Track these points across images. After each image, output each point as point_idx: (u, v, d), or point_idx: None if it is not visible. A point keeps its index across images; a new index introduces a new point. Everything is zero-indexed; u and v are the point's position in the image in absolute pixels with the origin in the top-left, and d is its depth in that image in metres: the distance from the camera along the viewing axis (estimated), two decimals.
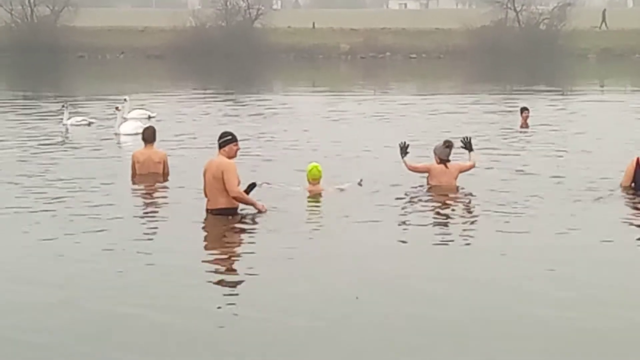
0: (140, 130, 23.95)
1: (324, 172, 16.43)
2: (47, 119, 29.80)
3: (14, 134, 25.79)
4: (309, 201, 15.93)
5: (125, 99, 29.35)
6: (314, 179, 16.24)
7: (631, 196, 16.36)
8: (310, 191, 16.20)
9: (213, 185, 14.27)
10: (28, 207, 15.26)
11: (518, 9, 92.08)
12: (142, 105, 32.46)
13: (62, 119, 27.60)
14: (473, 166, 17.04)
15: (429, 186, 16.78)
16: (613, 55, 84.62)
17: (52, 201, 15.76)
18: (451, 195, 16.25)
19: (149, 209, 15.57)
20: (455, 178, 16.82)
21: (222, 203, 14.29)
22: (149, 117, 28.99)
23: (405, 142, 17.13)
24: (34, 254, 12.38)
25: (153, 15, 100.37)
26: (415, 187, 16.82)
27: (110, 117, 27.85)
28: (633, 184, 16.74)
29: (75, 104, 33.66)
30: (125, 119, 27.05)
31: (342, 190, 16.49)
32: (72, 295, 10.59)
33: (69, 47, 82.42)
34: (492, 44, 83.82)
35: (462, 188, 16.75)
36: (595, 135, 25.24)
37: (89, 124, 27.48)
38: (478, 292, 10.74)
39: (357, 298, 10.32)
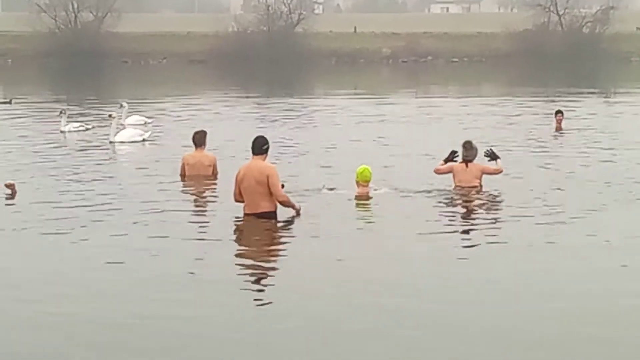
0: (138, 139, 24.34)
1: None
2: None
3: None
4: (357, 204, 16.01)
5: (121, 105, 29.31)
6: (365, 181, 16.30)
7: None
8: (359, 194, 16.27)
9: (255, 189, 14.33)
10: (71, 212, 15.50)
11: (560, 13, 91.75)
12: (141, 111, 32.24)
13: (61, 125, 27.25)
14: (500, 171, 17.18)
15: (455, 186, 16.98)
16: None
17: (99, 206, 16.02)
18: (474, 197, 16.36)
19: (196, 212, 15.80)
20: (478, 178, 16.96)
21: (264, 207, 14.38)
22: (146, 123, 28.85)
23: (455, 152, 17.24)
24: (66, 259, 12.59)
25: (195, 21, 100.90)
26: (442, 190, 16.93)
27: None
28: None
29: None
30: (124, 126, 27.06)
31: (389, 191, 16.58)
32: (111, 299, 10.79)
33: (112, 53, 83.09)
34: (534, 48, 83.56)
35: (487, 189, 16.84)
36: (630, 138, 25.21)
37: (87, 130, 27.32)
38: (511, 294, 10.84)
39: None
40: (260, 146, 14.55)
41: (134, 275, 11.68)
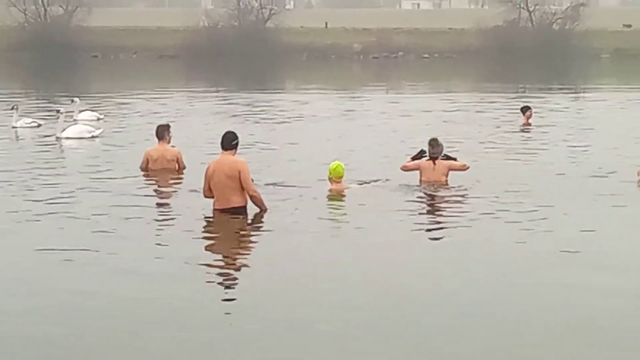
0: (86, 135, 24.11)
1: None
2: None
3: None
4: (330, 200, 15.97)
5: (73, 100, 29.05)
6: (338, 177, 16.26)
7: None
8: (332, 190, 16.23)
9: (226, 184, 14.27)
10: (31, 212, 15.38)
11: (531, 9, 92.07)
12: (94, 106, 31.80)
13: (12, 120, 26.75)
14: (466, 167, 17.24)
15: (421, 183, 17.04)
16: (627, 55, 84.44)
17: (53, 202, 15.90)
18: (442, 193, 16.42)
19: (160, 207, 15.66)
20: (445, 175, 17.06)
21: (235, 202, 14.33)
22: (98, 119, 28.51)
23: (423, 151, 17.28)
24: (40, 259, 12.48)
25: (166, 15, 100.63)
26: (412, 185, 16.94)
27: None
28: None
29: (86, 101, 33.73)
30: (76, 122, 26.77)
31: (361, 187, 16.57)
32: (73, 299, 10.69)
33: (83, 47, 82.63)
34: (505, 44, 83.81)
35: (455, 185, 16.89)
36: (598, 134, 25.36)
37: (39, 126, 26.83)
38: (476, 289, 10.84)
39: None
40: (229, 141, 14.48)
41: (93, 270, 11.57)
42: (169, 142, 18.88)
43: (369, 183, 16.99)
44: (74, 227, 13.81)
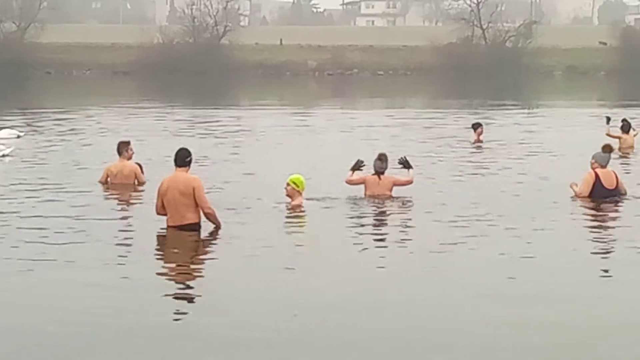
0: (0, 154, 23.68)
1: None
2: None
3: None
4: (290, 214, 15.99)
5: None
6: (303, 189, 16.25)
7: (590, 204, 16.81)
8: (295, 205, 16.22)
9: (180, 201, 14.21)
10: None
11: (484, 27, 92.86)
12: (12, 125, 31.25)
13: None
14: (411, 182, 17.51)
15: (366, 197, 17.23)
16: (578, 72, 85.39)
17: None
18: (388, 206, 16.65)
19: (113, 223, 15.55)
20: (390, 190, 17.32)
21: (189, 219, 14.26)
22: (18, 137, 28.09)
23: (361, 161, 17.54)
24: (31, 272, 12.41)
25: (120, 32, 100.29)
26: (359, 199, 17.14)
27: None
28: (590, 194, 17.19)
29: (27, 118, 33.51)
30: None
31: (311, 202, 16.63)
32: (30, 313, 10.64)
33: (36, 63, 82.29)
34: (459, 61, 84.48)
35: (400, 199, 17.17)
36: (548, 150, 25.66)
37: None
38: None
39: (295, 315, 10.32)
40: (183, 158, 14.44)
41: (45, 284, 11.52)
42: (129, 158, 19.12)
43: (318, 200, 16.98)
44: (26, 241, 13.70)
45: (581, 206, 16.78)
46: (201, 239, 14.11)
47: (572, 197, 17.28)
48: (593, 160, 17.49)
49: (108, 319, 10.15)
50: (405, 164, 17.58)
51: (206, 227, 14.44)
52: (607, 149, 17.82)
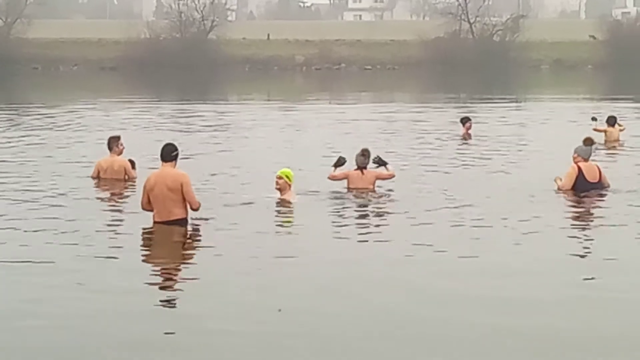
0: None
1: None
2: None
3: None
4: (278, 209, 15.98)
5: None
6: (291, 181, 16.30)
7: (573, 198, 16.91)
8: (282, 199, 16.24)
9: (168, 197, 14.15)
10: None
11: (472, 21, 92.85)
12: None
13: None
14: (393, 175, 17.79)
15: (350, 192, 17.39)
16: (565, 66, 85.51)
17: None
18: (373, 200, 16.78)
19: (101, 218, 15.52)
20: (372, 184, 17.58)
21: (176, 214, 14.21)
22: None
23: (343, 158, 17.77)
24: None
25: (107, 27, 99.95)
26: (344, 193, 17.29)
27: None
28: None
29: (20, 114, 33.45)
30: None
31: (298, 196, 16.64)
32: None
33: (23, 59, 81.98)
34: (446, 55, 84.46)
35: (382, 193, 17.30)
36: (536, 144, 25.66)
37: None
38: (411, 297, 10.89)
39: (279, 310, 10.29)
40: (169, 153, 14.38)
41: (34, 281, 11.46)
42: (120, 154, 19.22)
43: (306, 194, 17.00)
44: (14, 238, 13.66)
45: (565, 199, 16.83)
46: (188, 234, 14.07)
47: (555, 191, 17.32)
48: (575, 154, 17.56)
49: (94, 319, 10.10)
50: (379, 162, 17.82)
51: (193, 222, 14.41)
52: (589, 141, 18.04)
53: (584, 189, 17.10)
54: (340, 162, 17.74)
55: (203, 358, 8.97)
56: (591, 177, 17.26)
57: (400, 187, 17.73)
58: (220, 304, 10.60)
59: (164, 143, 14.75)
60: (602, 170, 17.65)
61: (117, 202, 17.14)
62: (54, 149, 24.55)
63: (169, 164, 14.35)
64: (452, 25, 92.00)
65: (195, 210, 14.34)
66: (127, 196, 17.34)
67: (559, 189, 17.32)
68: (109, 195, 17.67)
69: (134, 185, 18.14)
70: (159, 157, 14.47)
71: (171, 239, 13.85)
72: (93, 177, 19.02)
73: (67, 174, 19.88)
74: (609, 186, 17.49)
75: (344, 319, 10.04)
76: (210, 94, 55.93)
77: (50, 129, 30.44)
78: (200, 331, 9.62)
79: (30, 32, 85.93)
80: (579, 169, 17.25)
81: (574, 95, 51.83)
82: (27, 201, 16.65)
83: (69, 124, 32.01)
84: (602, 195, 17.14)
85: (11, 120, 31.90)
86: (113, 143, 19.24)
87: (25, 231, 14.10)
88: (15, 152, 23.95)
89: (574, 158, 17.49)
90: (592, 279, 11.77)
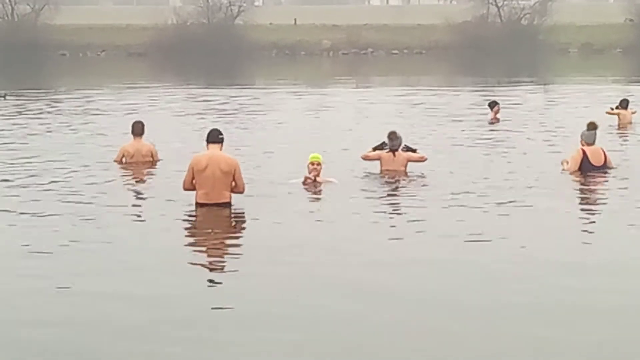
0: None
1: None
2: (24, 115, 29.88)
3: None
4: (310, 191, 16.18)
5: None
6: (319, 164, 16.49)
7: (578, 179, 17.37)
8: (315, 182, 16.43)
9: (220, 179, 14.46)
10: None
11: (499, 4, 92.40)
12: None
13: None
14: (424, 158, 17.99)
15: (382, 173, 17.73)
16: (593, 50, 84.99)
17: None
18: (402, 183, 16.99)
19: (143, 202, 15.72)
20: (404, 166, 17.80)
21: (226, 197, 14.58)
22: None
23: (385, 144, 17.89)
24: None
25: (135, 13, 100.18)
26: (378, 175, 17.59)
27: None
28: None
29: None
30: None
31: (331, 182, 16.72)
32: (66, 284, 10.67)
33: (50, 45, 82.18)
34: (474, 39, 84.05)
35: (414, 176, 17.50)
36: (565, 128, 25.55)
37: None
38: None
39: None
40: (216, 135, 14.73)
41: (78, 266, 11.57)
42: (143, 138, 19.38)
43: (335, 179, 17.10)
44: (50, 222, 13.77)
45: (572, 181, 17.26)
46: (234, 216, 14.36)
47: (562, 172, 17.78)
48: (581, 139, 18.19)
49: (145, 303, 10.20)
50: (407, 149, 17.97)
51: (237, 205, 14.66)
52: (592, 126, 18.33)
53: (589, 172, 17.66)
54: (380, 146, 17.93)
55: (252, 331, 9.03)
56: (595, 160, 17.93)
57: (426, 170, 17.83)
58: (270, 288, 10.68)
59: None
60: (607, 153, 18.21)
61: (152, 185, 17.25)
62: (83, 134, 24.70)
63: (216, 145, 14.66)
64: (479, 9, 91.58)
65: (240, 194, 14.69)
66: (160, 178, 17.57)
67: (564, 170, 17.89)
68: (142, 177, 17.93)
69: (159, 169, 18.50)
70: (205, 139, 14.77)
71: (216, 220, 14.10)
72: (117, 162, 19.16)
73: (96, 159, 20.00)
74: (614, 168, 18.07)
75: (391, 299, 10.12)
76: (236, 79, 55.92)
77: (77, 114, 30.61)
78: (255, 312, 9.76)
79: (57, 19, 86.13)
80: (584, 152, 17.88)
81: (602, 78, 51.53)
82: (56, 184, 16.78)
83: (96, 109, 32.18)
84: (605, 178, 17.40)
85: (40, 106, 32.05)
86: (140, 128, 19.38)
87: (60, 215, 14.24)
88: (45, 137, 24.15)
89: (580, 142, 18.12)
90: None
